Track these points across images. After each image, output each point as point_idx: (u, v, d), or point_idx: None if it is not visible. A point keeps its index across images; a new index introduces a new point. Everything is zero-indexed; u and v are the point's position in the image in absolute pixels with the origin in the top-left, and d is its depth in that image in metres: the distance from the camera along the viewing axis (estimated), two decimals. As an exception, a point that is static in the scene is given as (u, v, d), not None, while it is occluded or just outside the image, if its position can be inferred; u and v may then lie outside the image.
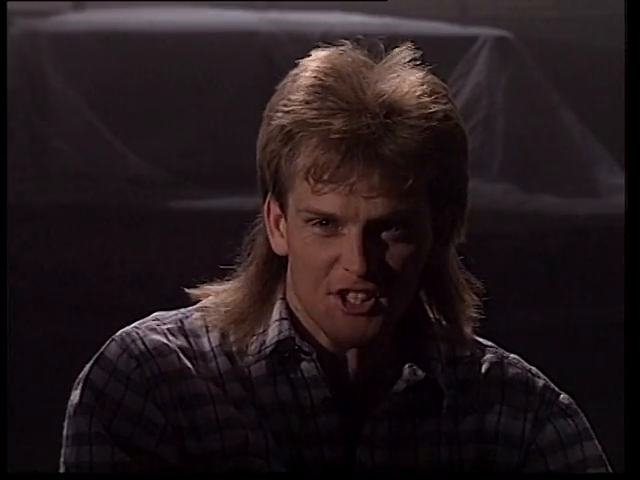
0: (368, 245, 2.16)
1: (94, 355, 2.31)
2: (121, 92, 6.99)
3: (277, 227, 2.28)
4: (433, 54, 6.09)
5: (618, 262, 6.68)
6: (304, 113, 2.17)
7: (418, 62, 2.15)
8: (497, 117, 7.11)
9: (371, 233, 2.16)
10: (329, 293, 2.21)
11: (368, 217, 2.15)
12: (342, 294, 2.19)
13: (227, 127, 6.73)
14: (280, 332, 2.32)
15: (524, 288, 6.42)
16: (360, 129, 2.11)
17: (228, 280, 2.35)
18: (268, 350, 2.31)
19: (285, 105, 2.18)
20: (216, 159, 6.76)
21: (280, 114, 2.18)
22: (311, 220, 2.18)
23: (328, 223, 2.17)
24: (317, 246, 2.21)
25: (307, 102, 2.17)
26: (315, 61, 2.23)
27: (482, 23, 7.57)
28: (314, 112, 2.16)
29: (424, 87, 2.14)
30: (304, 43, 6.49)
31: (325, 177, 2.12)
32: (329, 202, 2.16)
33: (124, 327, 2.32)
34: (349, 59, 2.20)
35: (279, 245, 2.28)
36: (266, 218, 2.30)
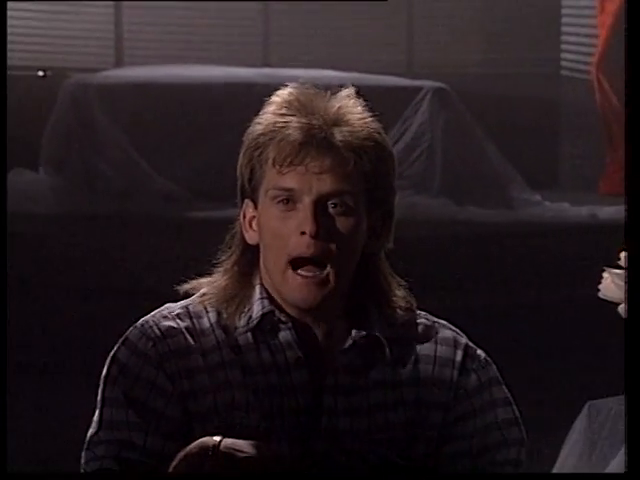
0: (318, 213, 2.27)
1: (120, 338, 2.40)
2: (151, 129, 7.33)
3: (250, 225, 2.37)
4: (389, 100, 6.83)
5: (528, 258, 6.98)
6: (270, 121, 2.32)
7: (357, 97, 2.30)
8: (436, 148, 7.47)
9: (321, 206, 2.28)
10: (288, 263, 2.30)
11: (319, 191, 2.28)
12: (297, 265, 2.30)
13: (232, 155, 7.12)
14: (263, 307, 2.39)
15: (454, 277, 6.50)
16: (313, 127, 2.29)
17: (216, 269, 2.42)
18: (254, 322, 2.40)
19: (258, 122, 2.31)
20: (223, 180, 7.00)
21: (254, 127, 2.31)
22: (276, 197, 2.27)
23: (288, 202, 2.28)
24: (280, 220, 2.29)
25: (273, 114, 2.31)
26: (283, 91, 2.33)
27: (425, 77, 7.92)
28: (278, 119, 2.32)
29: (362, 109, 2.31)
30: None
31: (287, 161, 2.26)
32: (290, 179, 2.27)
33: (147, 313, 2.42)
34: (308, 90, 2.32)
35: (252, 237, 2.37)
36: (242, 220, 2.39)
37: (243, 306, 2.43)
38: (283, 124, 2.31)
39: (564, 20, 9.31)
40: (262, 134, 2.33)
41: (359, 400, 2.46)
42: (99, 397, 2.42)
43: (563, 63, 9.34)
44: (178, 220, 6.73)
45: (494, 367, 2.49)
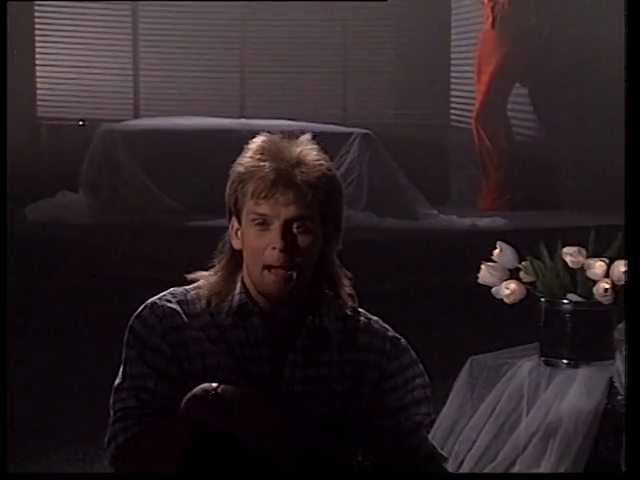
0: (286, 233, 2.39)
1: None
2: (159, 163, 7.22)
3: (236, 235, 2.47)
4: (330, 142, 6.78)
5: (428, 255, 7.00)
6: (249, 163, 2.42)
7: (314, 143, 2.46)
8: (363, 177, 7.33)
9: (287, 227, 2.40)
10: (264, 267, 2.41)
11: (286, 217, 2.39)
12: (270, 269, 2.41)
13: (218, 182, 7.14)
14: (240, 300, 2.48)
15: (376, 268, 6.35)
16: (281, 170, 2.39)
17: (211, 267, 2.52)
18: (234, 310, 2.49)
19: (240, 163, 2.43)
20: (210, 200, 6.47)
21: (237, 167, 2.44)
22: (254, 220, 2.39)
23: (263, 224, 2.40)
24: (257, 237, 2.41)
25: (250, 158, 2.42)
26: (257, 139, 2.47)
27: (355, 125, 7.90)
28: (255, 162, 2.42)
29: (317, 153, 2.46)
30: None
31: (262, 195, 2.38)
32: (264, 208, 2.39)
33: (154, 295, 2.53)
34: (275, 138, 2.46)
35: (237, 244, 2.46)
36: (230, 230, 2.49)
37: (226, 297, 2.49)
38: (258, 167, 2.40)
39: (452, 86, 9.34)
40: (243, 173, 2.43)
41: (310, 373, 2.52)
42: (123, 357, 2.50)
43: (452, 117, 9.34)
44: (177, 228, 6.66)
45: (412, 352, 2.58)
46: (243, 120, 7.90)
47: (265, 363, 2.51)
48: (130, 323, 2.53)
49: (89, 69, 8.78)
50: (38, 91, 8.67)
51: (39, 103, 8.69)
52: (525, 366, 3.90)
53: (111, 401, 2.51)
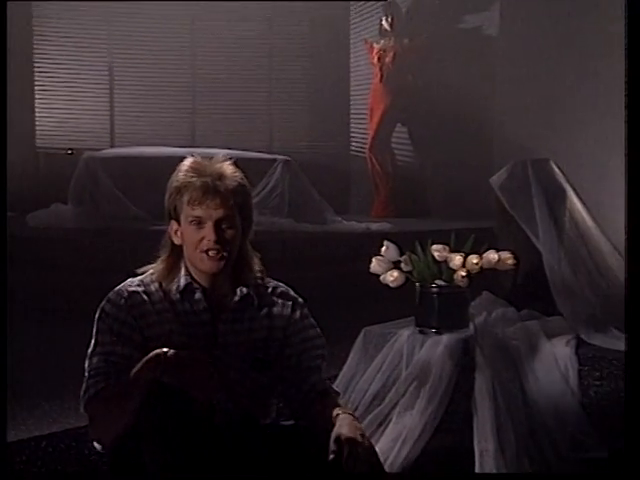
0: (217, 229, 2.45)
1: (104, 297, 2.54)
2: (129, 181, 7.07)
3: (176, 233, 2.51)
4: (258, 166, 6.69)
5: (335, 251, 6.85)
6: (183, 179, 2.47)
7: (232, 161, 2.52)
8: (285, 194, 7.20)
9: (217, 225, 2.45)
10: (201, 252, 2.47)
11: (216, 217, 2.45)
12: (207, 253, 2.47)
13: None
14: (185, 280, 2.52)
15: (295, 261, 6.24)
16: (208, 183, 2.44)
17: (158, 258, 2.57)
18: (181, 288, 2.53)
19: (176, 179, 2.48)
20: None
21: (173, 183, 2.49)
22: (192, 221, 2.46)
23: (199, 223, 2.46)
24: (196, 233, 2.47)
25: (184, 174, 2.48)
26: (186, 161, 2.52)
27: (278, 153, 7.85)
28: (187, 178, 2.47)
29: (233, 168, 2.51)
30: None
31: (196, 202, 2.44)
32: (198, 211, 2.45)
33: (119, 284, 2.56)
34: (199, 159, 2.52)
35: (177, 240, 2.52)
36: (170, 230, 2.54)
37: (173, 279, 2.54)
38: (191, 182, 2.46)
39: (352, 125, 9.34)
40: (178, 186, 2.48)
41: (238, 327, 2.55)
42: (94, 331, 2.51)
43: (351, 147, 9.34)
44: (142, 231, 6.39)
45: (306, 308, 2.66)
46: (192, 149, 7.66)
47: (206, 325, 2.52)
48: (102, 305, 2.53)
49: (77, 111, 8.70)
50: (36, 127, 8.56)
51: (37, 136, 8.58)
52: (404, 334, 3.91)
53: (86, 364, 2.51)
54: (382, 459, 2.64)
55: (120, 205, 6.93)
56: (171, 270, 2.56)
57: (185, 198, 2.48)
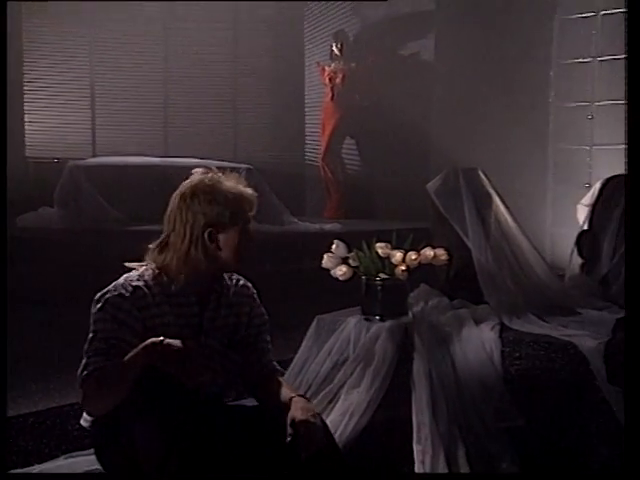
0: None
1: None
2: (109, 186, 6.94)
3: (212, 239, 2.52)
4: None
5: (291, 247, 6.92)
6: (234, 194, 2.55)
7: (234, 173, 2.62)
8: None
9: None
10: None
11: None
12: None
13: (150, 198, 6.61)
14: (186, 279, 2.52)
15: (258, 257, 6.27)
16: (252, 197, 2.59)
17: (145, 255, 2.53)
18: (181, 284, 2.53)
19: (229, 192, 2.55)
20: (148, 212, 6.74)
21: (226, 194, 2.51)
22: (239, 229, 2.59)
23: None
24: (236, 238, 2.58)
25: (234, 193, 2.57)
26: (194, 176, 2.54)
27: (242, 161, 7.71)
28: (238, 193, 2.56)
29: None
30: (185, 170, 6.80)
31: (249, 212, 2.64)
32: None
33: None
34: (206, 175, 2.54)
35: (209, 246, 2.53)
36: (191, 236, 2.50)
37: (172, 275, 2.53)
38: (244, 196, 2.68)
39: (307, 136, 9.29)
40: (235, 198, 2.61)
41: (216, 317, 2.59)
42: (93, 319, 2.44)
43: (306, 157, 9.32)
44: (121, 231, 6.39)
45: (258, 300, 2.71)
46: (165, 158, 7.72)
47: (195, 316, 2.55)
48: (105, 297, 2.46)
49: (62, 124, 8.59)
50: (26, 138, 8.44)
51: (27, 146, 8.45)
52: (351, 321, 3.91)
53: (85, 348, 2.45)
54: (333, 431, 2.73)
55: (100, 208, 6.84)
56: (176, 269, 2.52)
57: (240, 209, 2.56)
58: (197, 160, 7.38)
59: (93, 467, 2.80)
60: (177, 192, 2.53)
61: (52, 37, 8.34)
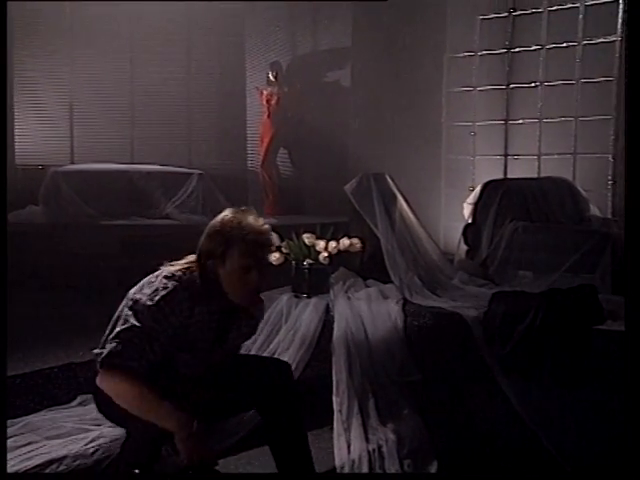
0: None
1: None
2: (87, 188, 6.64)
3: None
4: (179, 179, 6.33)
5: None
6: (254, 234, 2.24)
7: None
8: (199, 198, 6.73)
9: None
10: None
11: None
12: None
13: (120, 199, 6.54)
14: (222, 299, 2.21)
15: None
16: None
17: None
18: (216, 301, 2.22)
19: (250, 231, 2.24)
20: (118, 208, 6.41)
21: (251, 234, 2.21)
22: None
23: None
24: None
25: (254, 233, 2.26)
26: (226, 213, 2.30)
27: (195, 167, 7.50)
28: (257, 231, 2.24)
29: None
30: (156, 176, 6.19)
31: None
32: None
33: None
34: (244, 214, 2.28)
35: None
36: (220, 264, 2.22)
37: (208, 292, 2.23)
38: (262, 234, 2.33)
39: (248, 148, 9.21)
40: (253, 240, 2.30)
41: (235, 329, 2.32)
42: (132, 312, 2.05)
43: (248, 164, 9.20)
44: (94, 225, 6.10)
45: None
46: (132, 165, 7.47)
47: (221, 332, 2.28)
48: (160, 295, 2.08)
49: (45, 137, 8.36)
50: (15, 147, 8.19)
51: (16, 155, 8.21)
52: (284, 298, 3.93)
53: (116, 330, 2.03)
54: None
55: (77, 206, 6.60)
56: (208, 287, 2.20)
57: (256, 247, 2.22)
58: (158, 166, 7.19)
59: (72, 419, 2.76)
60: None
61: (39, 60, 8.09)
